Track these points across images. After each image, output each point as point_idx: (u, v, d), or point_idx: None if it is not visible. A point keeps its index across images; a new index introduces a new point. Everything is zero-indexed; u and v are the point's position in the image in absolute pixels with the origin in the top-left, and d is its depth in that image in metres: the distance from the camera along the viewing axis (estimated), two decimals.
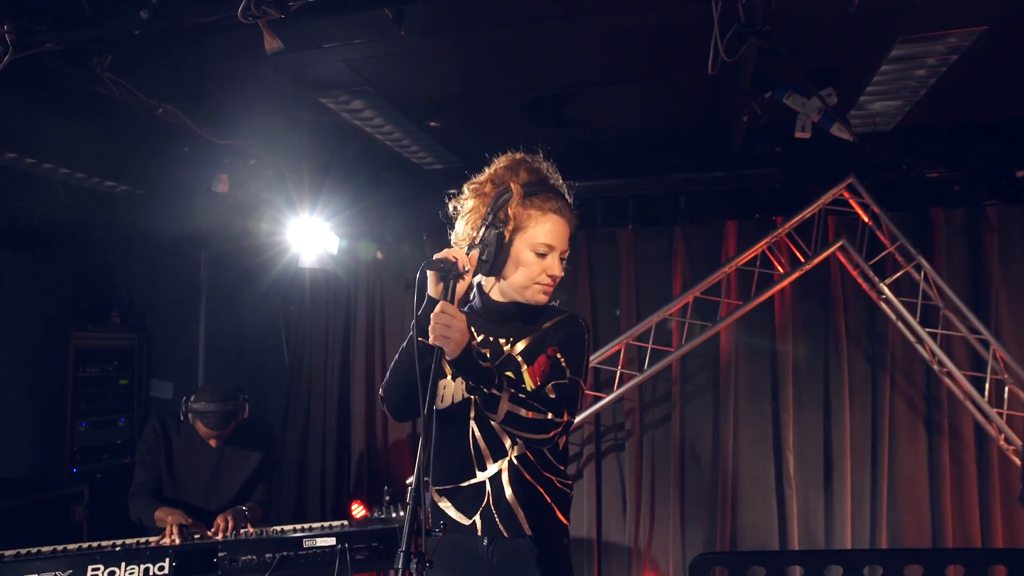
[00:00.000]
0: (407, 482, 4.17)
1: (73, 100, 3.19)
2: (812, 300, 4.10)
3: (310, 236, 4.13)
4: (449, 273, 1.74)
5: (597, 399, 4.01)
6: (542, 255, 1.87)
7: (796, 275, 3.84)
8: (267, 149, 3.77)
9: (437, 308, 1.68)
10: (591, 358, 4.01)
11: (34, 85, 2.99)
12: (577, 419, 4.04)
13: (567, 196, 1.95)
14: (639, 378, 3.94)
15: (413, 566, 1.47)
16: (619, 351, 4.00)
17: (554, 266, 1.89)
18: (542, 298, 1.91)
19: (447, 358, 1.69)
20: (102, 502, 4.40)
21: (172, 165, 3.88)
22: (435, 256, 1.76)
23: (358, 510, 4.01)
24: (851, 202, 3.81)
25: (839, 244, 3.79)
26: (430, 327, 1.66)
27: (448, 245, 1.92)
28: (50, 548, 2.70)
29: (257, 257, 4.59)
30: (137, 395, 5.07)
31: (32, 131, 3.58)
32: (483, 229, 1.83)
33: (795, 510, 4.00)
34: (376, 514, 3.39)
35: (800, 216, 3.83)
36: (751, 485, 4.07)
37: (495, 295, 1.96)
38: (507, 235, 1.84)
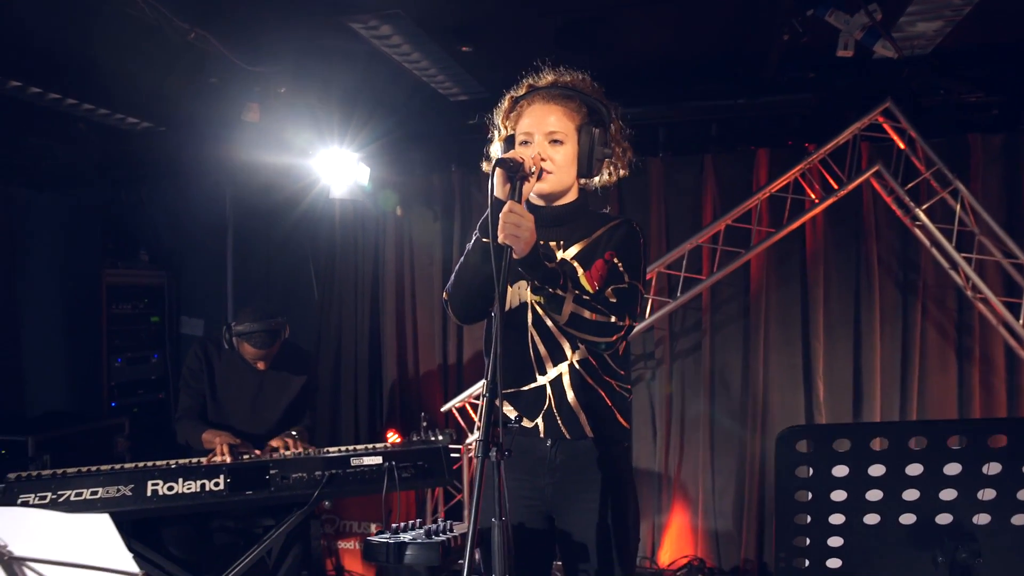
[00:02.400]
0: (442, 409, 4.24)
1: (102, 27, 3.15)
2: (844, 228, 4.09)
3: (340, 167, 4.12)
4: (516, 173, 1.74)
5: None
6: (525, 144, 1.91)
7: (829, 202, 3.82)
8: (297, 78, 3.73)
9: (506, 207, 1.68)
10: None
11: (66, 9, 2.96)
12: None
13: (580, 88, 1.97)
14: (670, 306, 3.96)
15: (492, 454, 1.49)
16: (650, 280, 4.01)
17: (536, 148, 1.89)
18: (544, 186, 1.91)
19: (515, 257, 1.70)
20: (140, 435, 4.49)
21: (200, 97, 3.85)
22: (503, 156, 1.76)
23: (393, 438, 4.09)
24: (886, 127, 3.77)
25: (874, 170, 3.76)
26: (500, 227, 1.67)
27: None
28: (109, 466, 2.77)
29: (285, 190, 4.59)
30: (168, 332, 5.12)
31: (56, 63, 3.54)
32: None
33: None
34: (414, 438, 3.45)
35: (834, 142, 3.79)
36: (781, 412, 4.12)
37: (535, 201, 1.98)
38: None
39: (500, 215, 1.69)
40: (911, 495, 1.25)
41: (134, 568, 1.08)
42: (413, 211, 4.70)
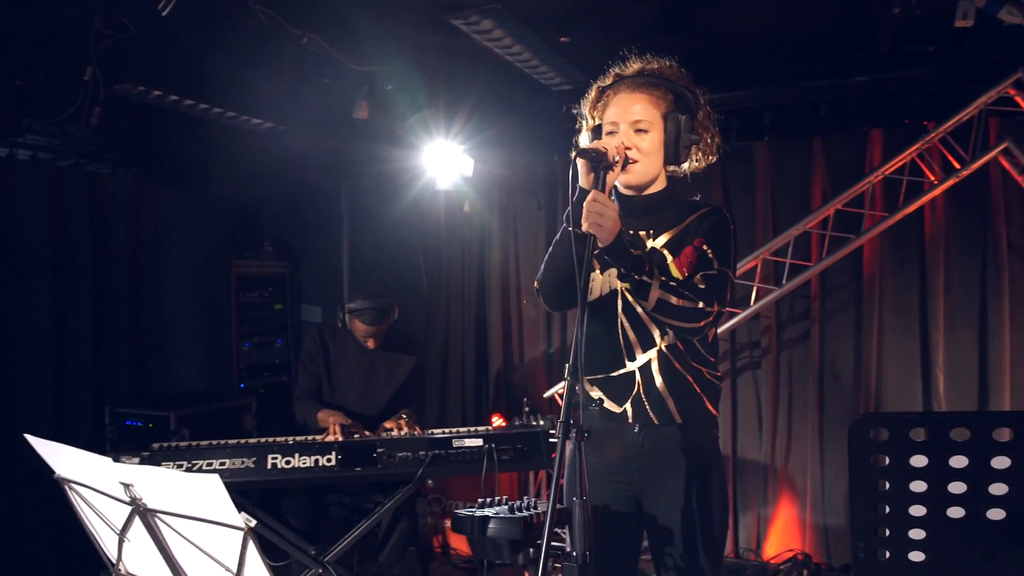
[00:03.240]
0: (544, 395, 4.33)
1: (227, 38, 3.41)
2: (968, 210, 3.84)
3: (444, 160, 4.26)
4: (599, 163, 1.78)
5: (732, 315, 3.97)
6: (611, 134, 1.94)
7: (951, 182, 3.60)
8: (403, 75, 3.89)
9: (589, 196, 1.73)
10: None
11: (191, 24, 3.22)
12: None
13: (667, 75, 1.98)
14: (776, 293, 3.86)
15: (572, 434, 1.55)
16: (755, 267, 3.92)
17: (621, 137, 1.91)
18: (630, 176, 1.93)
19: (600, 245, 1.75)
20: (266, 414, 4.84)
21: (316, 97, 4.09)
22: (585, 147, 1.81)
23: (497, 422, 4.21)
24: (1017, 100, 3.51)
25: (1002, 146, 3.52)
26: (583, 216, 1.72)
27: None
28: (236, 441, 3.03)
29: (394, 182, 4.79)
30: (290, 319, 5.48)
31: (190, 73, 3.86)
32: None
33: None
34: (517, 423, 3.56)
35: (957, 118, 3.56)
36: (896, 404, 3.93)
37: (624, 191, 2.02)
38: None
39: (584, 204, 1.74)
40: (998, 489, 1.21)
41: (240, 523, 1.23)
42: (517, 200, 4.80)
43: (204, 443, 2.99)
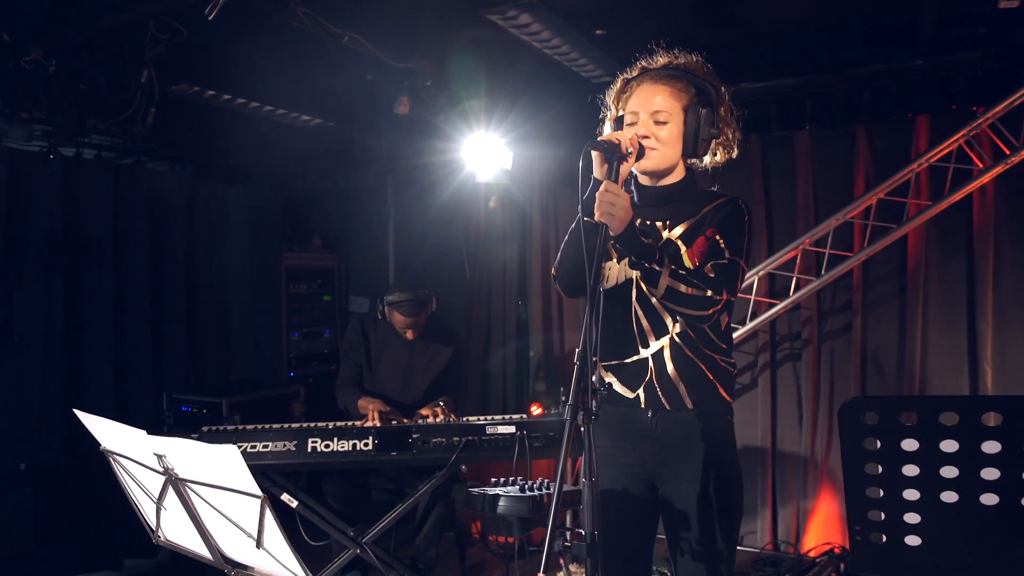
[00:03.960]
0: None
1: (271, 39, 3.55)
2: (1019, 197, 3.72)
3: (485, 153, 4.33)
4: (613, 154, 1.83)
5: (771, 306, 3.94)
6: (632, 124, 1.98)
7: (1001, 168, 3.51)
8: (442, 70, 3.97)
9: (602, 187, 1.78)
10: (770, 259, 3.95)
11: (240, 26, 3.37)
12: (750, 326, 4.02)
13: (691, 69, 2.01)
14: (816, 284, 3.82)
15: (580, 417, 1.60)
16: (795, 256, 3.88)
17: (641, 127, 1.95)
18: (646, 163, 1.97)
19: (611, 234, 1.79)
20: (314, 400, 5.01)
21: (360, 94, 4.21)
22: (599, 138, 1.85)
23: (536, 411, 4.28)
24: None
25: None
26: (596, 205, 1.77)
27: None
28: (279, 425, 3.17)
29: (436, 175, 4.89)
30: (339, 310, 5.64)
31: (242, 73, 4.02)
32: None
33: None
34: (553, 412, 3.61)
35: (1008, 102, 3.46)
36: None
37: (643, 181, 2.06)
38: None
39: (597, 194, 1.78)
40: (990, 474, 1.21)
41: (257, 491, 1.32)
42: (557, 192, 4.84)
43: (250, 427, 3.15)
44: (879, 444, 1.25)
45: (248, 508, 1.33)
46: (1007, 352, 3.75)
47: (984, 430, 1.18)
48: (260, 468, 3.00)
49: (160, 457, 1.42)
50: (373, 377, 3.66)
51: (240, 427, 3.16)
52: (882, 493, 1.28)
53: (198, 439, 2.97)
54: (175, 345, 4.93)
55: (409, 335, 3.62)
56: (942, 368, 3.85)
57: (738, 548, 2.82)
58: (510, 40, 3.73)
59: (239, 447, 2.97)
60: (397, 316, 3.58)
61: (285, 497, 3.04)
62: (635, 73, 2.08)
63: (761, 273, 4.01)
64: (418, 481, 3.43)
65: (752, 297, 4.03)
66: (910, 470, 1.25)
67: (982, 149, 3.61)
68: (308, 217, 5.66)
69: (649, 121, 1.97)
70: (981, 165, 3.58)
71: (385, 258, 5.46)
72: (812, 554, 3.97)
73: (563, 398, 3.67)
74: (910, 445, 1.23)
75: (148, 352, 4.74)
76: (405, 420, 3.33)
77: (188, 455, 1.38)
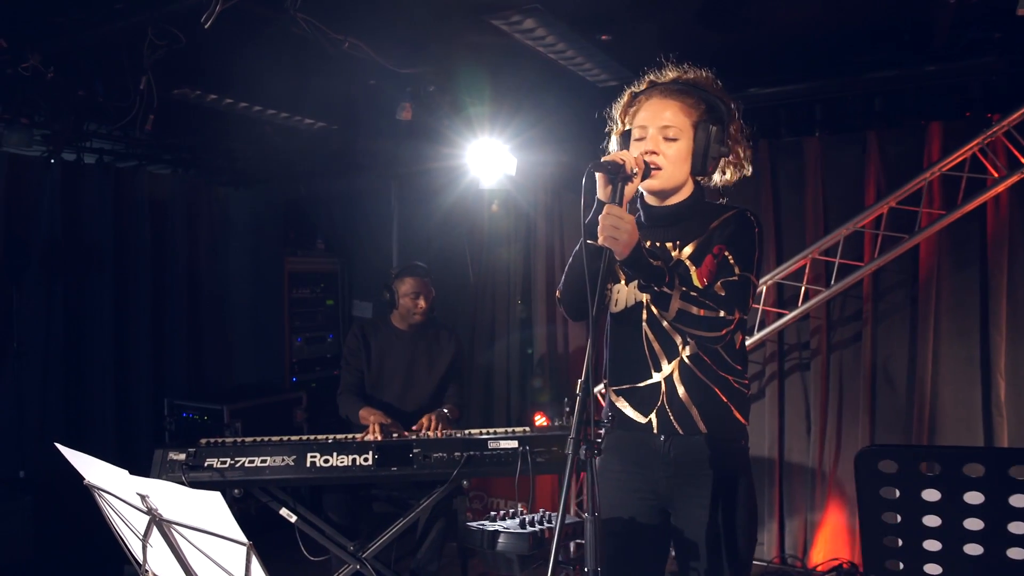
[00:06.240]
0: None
1: (273, 44, 3.49)
2: None
3: (489, 158, 4.27)
4: (617, 175, 1.76)
5: (780, 316, 3.87)
6: (640, 140, 1.91)
7: (1016, 178, 3.42)
8: (445, 76, 3.91)
9: (604, 210, 1.71)
10: (779, 268, 3.87)
11: (240, 32, 3.31)
12: (758, 336, 3.95)
13: (702, 85, 1.94)
14: (825, 294, 3.75)
15: (582, 451, 1.54)
16: (804, 266, 3.81)
17: (649, 142, 1.88)
18: (654, 182, 1.89)
19: (616, 259, 1.73)
20: (317, 407, 4.97)
21: (363, 98, 4.15)
22: (603, 159, 1.78)
23: (540, 420, 4.22)
24: None
25: None
26: (599, 229, 1.70)
27: None
28: (278, 438, 3.12)
29: (440, 181, 4.83)
30: (342, 314, 5.59)
31: (244, 77, 3.97)
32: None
33: (1005, 439, 3.66)
34: (557, 423, 3.55)
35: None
36: (953, 410, 3.77)
37: (650, 200, 1.99)
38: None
39: (600, 218, 1.72)
40: (1018, 528, 1.14)
41: (242, 538, 1.27)
42: (562, 198, 4.78)
43: (248, 440, 3.09)
44: (898, 493, 1.18)
45: (234, 553, 1.28)
46: (1021, 364, 3.67)
47: (1012, 483, 1.12)
48: (259, 483, 2.95)
49: (143, 497, 1.37)
50: (376, 381, 3.61)
51: (239, 440, 3.11)
52: (900, 543, 1.21)
53: (196, 453, 2.92)
54: (176, 351, 4.89)
55: (421, 306, 3.57)
56: (954, 380, 3.78)
57: None
58: (514, 45, 3.67)
59: (237, 461, 2.94)
60: (408, 285, 3.56)
61: (284, 512, 2.99)
62: (643, 87, 2.01)
63: (770, 282, 3.95)
64: (419, 494, 3.38)
65: (760, 307, 3.96)
66: (931, 520, 1.18)
67: (997, 157, 3.53)
68: (311, 221, 5.61)
69: (658, 136, 1.90)
70: (996, 174, 3.50)
71: (389, 262, 5.40)
72: (820, 569, 3.90)
73: (567, 409, 3.62)
74: (931, 495, 1.17)
75: (149, 358, 4.71)
76: (406, 433, 3.27)
77: (172, 498, 1.33)
